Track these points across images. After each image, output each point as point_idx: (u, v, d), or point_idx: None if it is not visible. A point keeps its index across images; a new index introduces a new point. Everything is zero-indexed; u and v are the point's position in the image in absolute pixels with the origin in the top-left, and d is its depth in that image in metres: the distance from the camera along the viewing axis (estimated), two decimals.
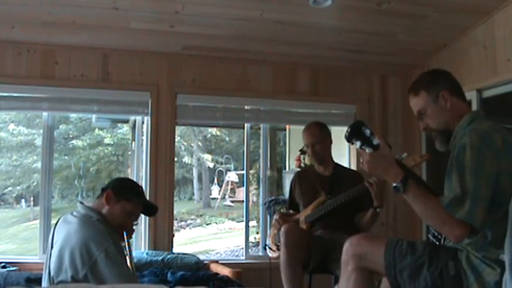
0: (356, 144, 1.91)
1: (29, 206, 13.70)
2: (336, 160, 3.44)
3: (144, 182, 4.08)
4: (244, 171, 4.85)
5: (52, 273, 2.09)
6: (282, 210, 4.05)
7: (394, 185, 1.90)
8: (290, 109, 4.52)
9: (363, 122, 1.93)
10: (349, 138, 1.92)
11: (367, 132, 1.89)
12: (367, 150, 1.91)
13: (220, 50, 4.14)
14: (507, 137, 1.87)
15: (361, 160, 1.97)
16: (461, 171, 1.80)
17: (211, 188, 14.83)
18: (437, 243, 2.09)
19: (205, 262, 3.96)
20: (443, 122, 2.03)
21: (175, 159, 4.56)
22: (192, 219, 13.08)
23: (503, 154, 1.82)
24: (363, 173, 3.05)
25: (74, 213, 2.25)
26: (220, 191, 14.41)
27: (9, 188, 13.23)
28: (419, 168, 3.33)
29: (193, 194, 16.09)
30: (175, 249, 4.13)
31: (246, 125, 4.52)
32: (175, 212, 4.41)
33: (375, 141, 1.90)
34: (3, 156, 12.36)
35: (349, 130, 1.92)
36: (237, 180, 13.80)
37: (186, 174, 15.77)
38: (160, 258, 3.75)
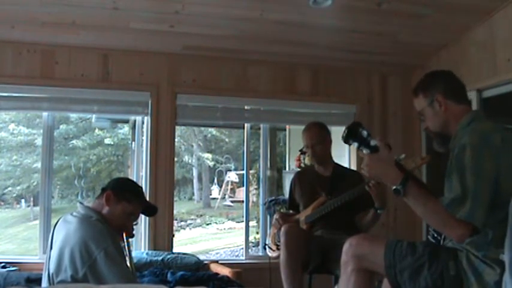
0: (354, 145, 1.92)
1: (29, 206, 13.69)
2: (336, 160, 3.44)
3: (144, 182, 4.08)
4: (244, 171, 4.84)
5: (52, 273, 2.09)
6: (282, 210, 4.05)
7: (394, 187, 1.88)
8: (290, 109, 4.52)
9: (360, 123, 1.94)
10: (347, 140, 1.94)
11: (364, 133, 1.90)
12: (365, 151, 1.91)
13: (220, 50, 4.14)
14: (506, 137, 1.87)
15: (362, 165, 1.96)
16: (462, 171, 1.80)
17: (211, 188, 14.85)
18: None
19: (205, 262, 3.96)
20: (439, 125, 2.05)
21: (175, 159, 4.56)
22: (192, 219, 13.08)
23: (502, 154, 1.82)
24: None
25: (74, 213, 2.24)
26: (220, 191, 14.42)
27: (9, 188, 13.22)
28: (420, 170, 3.32)
29: (193, 194, 16.08)
30: (175, 249, 4.12)
31: (246, 125, 4.51)
32: (175, 212, 4.41)
33: (373, 142, 1.90)
34: (3, 156, 12.34)
35: (346, 131, 1.94)
36: (237, 180, 13.81)
37: (186, 174, 15.77)
38: (160, 258, 3.75)
